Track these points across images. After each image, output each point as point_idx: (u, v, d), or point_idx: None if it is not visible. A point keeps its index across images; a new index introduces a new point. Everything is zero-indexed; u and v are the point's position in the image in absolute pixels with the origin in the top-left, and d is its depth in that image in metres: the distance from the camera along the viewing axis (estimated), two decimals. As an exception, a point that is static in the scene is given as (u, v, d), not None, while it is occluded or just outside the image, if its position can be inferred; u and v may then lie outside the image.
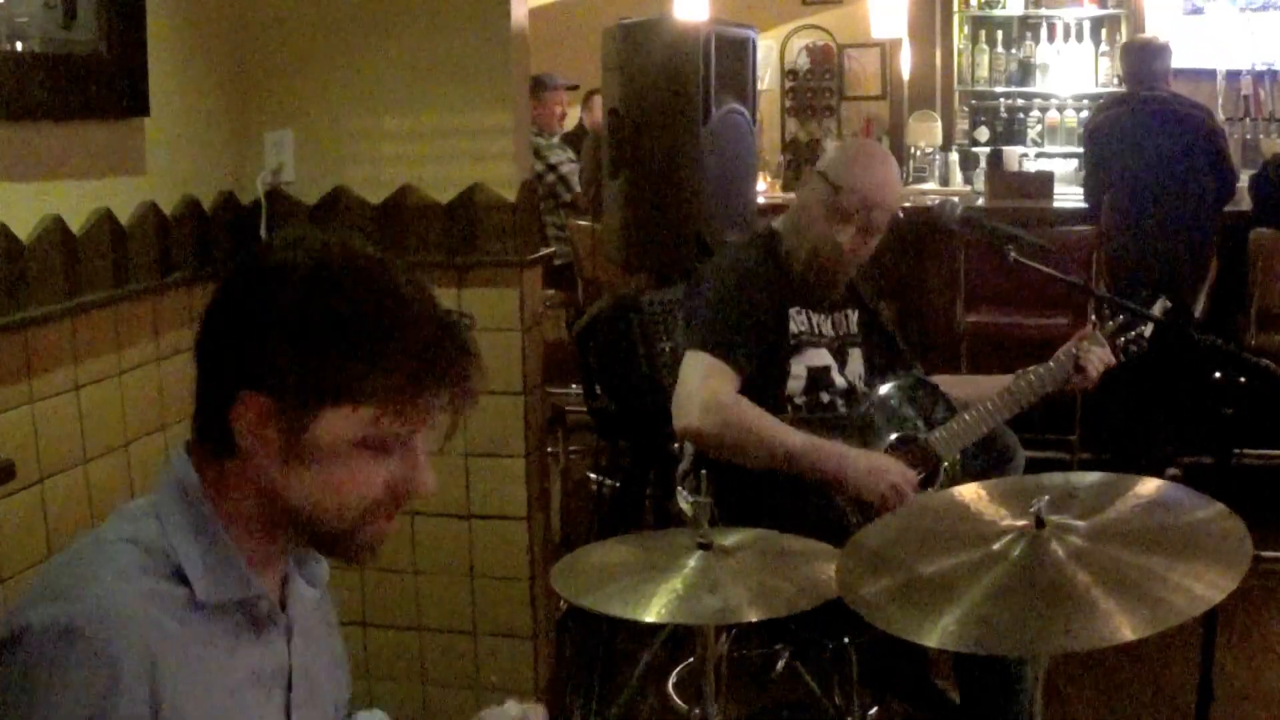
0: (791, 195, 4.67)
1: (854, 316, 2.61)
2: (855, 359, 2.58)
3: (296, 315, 1.11)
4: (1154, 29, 6.31)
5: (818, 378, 2.50)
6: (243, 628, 1.17)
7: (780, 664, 2.63)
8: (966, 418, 2.43)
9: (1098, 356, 2.51)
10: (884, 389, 2.49)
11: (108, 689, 1.03)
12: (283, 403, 1.11)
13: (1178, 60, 4.94)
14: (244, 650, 1.16)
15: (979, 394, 2.54)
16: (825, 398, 2.50)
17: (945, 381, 2.71)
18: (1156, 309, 2.59)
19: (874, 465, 2.29)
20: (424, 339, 1.13)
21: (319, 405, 1.11)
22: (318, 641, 1.31)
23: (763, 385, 2.42)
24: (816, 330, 2.53)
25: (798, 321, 2.50)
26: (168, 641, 1.08)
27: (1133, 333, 2.60)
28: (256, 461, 1.13)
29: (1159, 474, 3.53)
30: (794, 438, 2.30)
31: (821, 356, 2.52)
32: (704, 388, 2.33)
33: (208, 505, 1.15)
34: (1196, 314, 4.61)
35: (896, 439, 2.41)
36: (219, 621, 1.14)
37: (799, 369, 2.48)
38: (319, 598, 1.31)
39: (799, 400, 2.48)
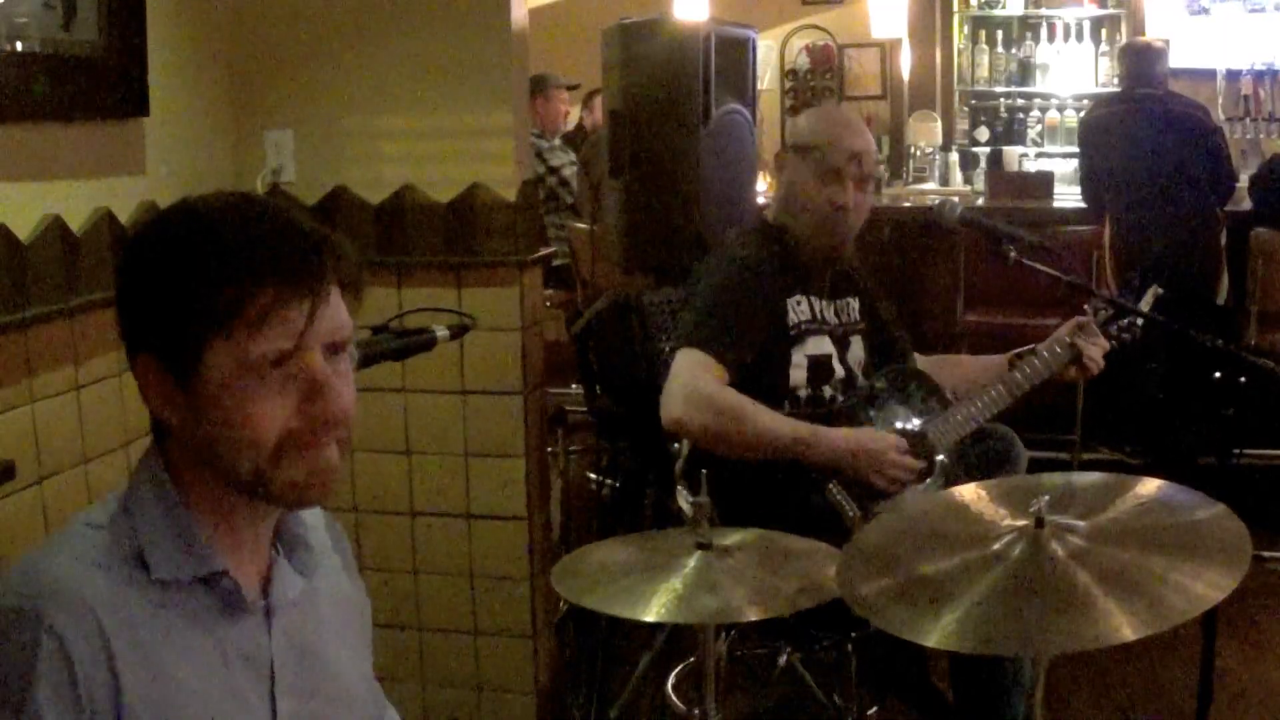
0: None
1: (855, 305, 2.62)
2: (857, 345, 2.59)
3: (137, 269, 1.15)
4: (1155, 28, 6.31)
5: (819, 367, 2.50)
6: (211, 608, 1.17)
7: (781, 659, 2.62)
8: (962, 412, 2.44)
9: (1097, 349, 2.53)
10: (878, 381, 2.50)
11: (58, 667, 1.04)
12: (164, 355, 1.13)
13: (1179, 60, 4.94)
14: (215, 631, 1.17)
15: (978, 373, 2.57)
16: (828, 392, 2.51)
17: (939, 362, 2.73)
18: (1148, 297, 2.59)
19: (855, 442, 2.30)
20: (259, 248, 1.11)
21: (195, 344, 1.11)
22: (322, 635, 1.29)
23: (764, 377, 2.42)
24: (819, 317, 2.53)
25: (798, 311, 2.50)
26: (125, 621, 1.08)
27: (1124, 320, 2.61)
28: (178, 425, 1.14)
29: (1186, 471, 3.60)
30: (779, 425, 2.31)
31: (823, 344, 2.52)
32: (688, 380, 2.35)
33: (173, 487, 1.16)
34: (1220, 301, 4.61)
35: (891, 431, 2.41)
36: (184, 601, 1.14)
37: (799, 358, 2.48)
38: (312, 588, 1.29)
39: (802, 392, 2.48)
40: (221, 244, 1.11)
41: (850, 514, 2.26)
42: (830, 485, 2.29)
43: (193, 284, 1.10)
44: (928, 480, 2.36)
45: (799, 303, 2.51)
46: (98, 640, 1.06)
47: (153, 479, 1.17)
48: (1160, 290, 2.61)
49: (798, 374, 2.48)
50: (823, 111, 2.91)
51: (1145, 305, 2.60)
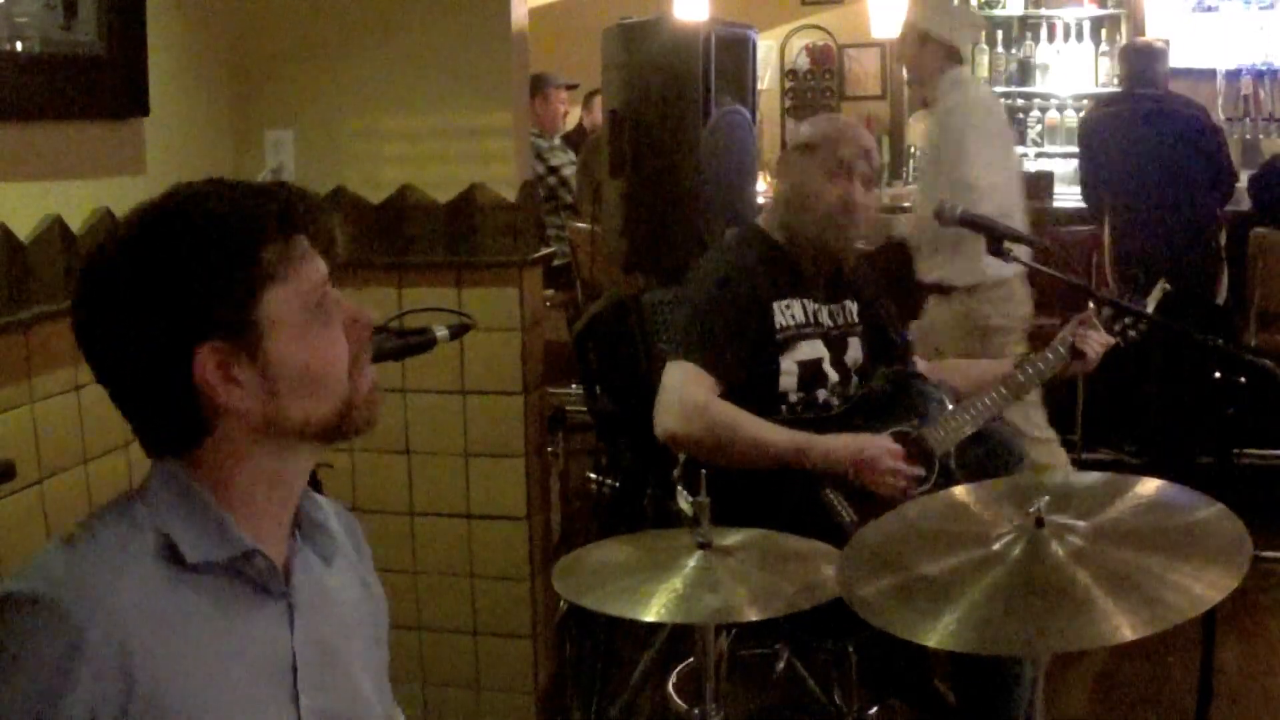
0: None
1: (854, 307, 2.61)
2: (855, 347, 2.58)
3: (169, 265, 1.13)
4: (1156, 28, 6.31)
5: (810, 372, 2.49)
6: (239, 595, 1.17)
7: (780, 665, 2.63)
8: (962, 415, 2.43)
9: (1095, 340, 2.52)
10: (876, 383, 2.49)
11: (69, 654, 1.04)
12: (229, 332, 1.13)
13: (1179, 60, 4.94)
14: (239, 620, 1.17)
15: (981, 377, 2.55)
16: (821, 396, 2.50)
17: (943, 367, 2.72)
18: (1155, 294, 2.58)
19: (853, 448, 2.29)
20: (270, 204, 1.18)
21: (254, 303, 1.14)
22: (339, 632, 1.29)
23: (754, 385, 2.42)
24: (811, 320, 2.52)
25: (786, 315, 2.49)
26: (146, 615, 1.09)
27: (1128, 318, 2.60)
28: (240, 412, 1.15)
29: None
30: (775, 435, 2.31)
31: (814, 348, 2.51)
32: (681, 393, 2.35)
33: (195, 483, 1.17)
34: (1220, 302, 4.61)
35: (889, 434, 2.40)
36: (211, 588, 1.15)
37: (789, 365, 2.47)
38: (330, 584, 1.30)
39: (794, 398, 2.47)
40: (243, 210, 1.16)
41: (846, 519, 2.26)
42: (825, 490, 2.29)
43: (238, 250, 1.14)
44: (925, 485, 2.34)
45: (788, 306, 2.50)
46: (114, 632, 1.06)
47: (167, 482, 1.17)
48: (1167, 286, 2.60)
49: (788, 380, 2.47)
50: (824, 116, 2.94)
51: (1151, 302, 2.59)
